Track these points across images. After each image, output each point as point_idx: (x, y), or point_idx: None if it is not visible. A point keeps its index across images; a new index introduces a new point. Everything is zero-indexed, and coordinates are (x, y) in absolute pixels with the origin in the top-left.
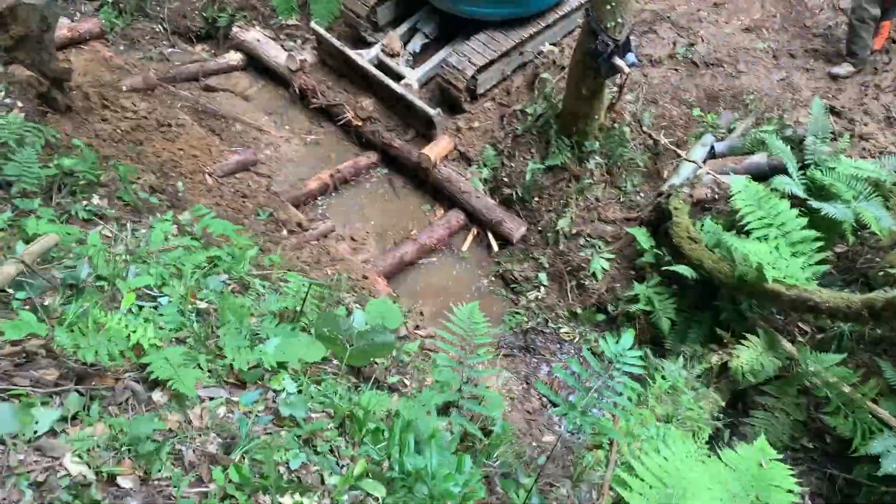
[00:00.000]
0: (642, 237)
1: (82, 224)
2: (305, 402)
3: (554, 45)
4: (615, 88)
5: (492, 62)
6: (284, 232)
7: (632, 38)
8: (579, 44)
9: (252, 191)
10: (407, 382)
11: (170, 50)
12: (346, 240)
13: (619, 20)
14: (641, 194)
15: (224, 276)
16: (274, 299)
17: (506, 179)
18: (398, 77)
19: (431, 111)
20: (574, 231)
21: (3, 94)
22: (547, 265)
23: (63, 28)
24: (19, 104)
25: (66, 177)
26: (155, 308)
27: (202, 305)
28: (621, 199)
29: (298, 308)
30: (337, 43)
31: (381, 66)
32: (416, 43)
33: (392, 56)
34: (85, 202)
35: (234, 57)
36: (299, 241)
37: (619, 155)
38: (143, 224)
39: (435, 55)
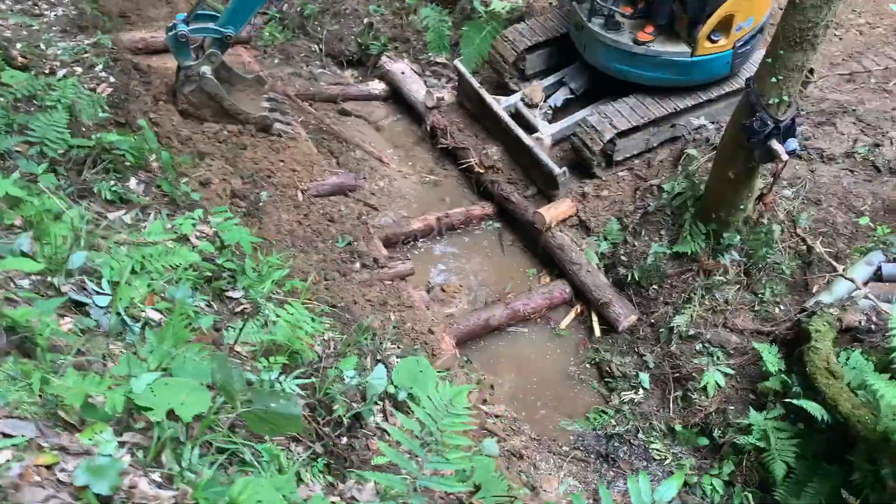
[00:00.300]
0: (771, 357)
1: (104, 204)
2: (115, 474)
3: (713, 123)
4: (769, 177)
5: (636, 129)
6: (357, 265)
7: (799, 123)
8: (734, 118)
9: (341, 216)
10: None
11: (319, 70)
12: (435, 289)
13: (785, 98)
14: (781, 306)
15: (238, 293)
16: (254, 329)
17: (624, 258)
18: (532, 129)
19: (556, 170)
20: (691, 332)
21: (100, 66)
22: (652, 365)
23: None
24: (112, 79)
25: (105, 152)
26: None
27: (154, 315)
28: (755, 308)
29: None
30: (475, 84)
31: (516, 115)
32: (559, 97)
33: (530, 106)
34: (116, 182)
35: (378, 86)
36: (371, 277)
37: (763, 256)
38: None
39: (576, 113)
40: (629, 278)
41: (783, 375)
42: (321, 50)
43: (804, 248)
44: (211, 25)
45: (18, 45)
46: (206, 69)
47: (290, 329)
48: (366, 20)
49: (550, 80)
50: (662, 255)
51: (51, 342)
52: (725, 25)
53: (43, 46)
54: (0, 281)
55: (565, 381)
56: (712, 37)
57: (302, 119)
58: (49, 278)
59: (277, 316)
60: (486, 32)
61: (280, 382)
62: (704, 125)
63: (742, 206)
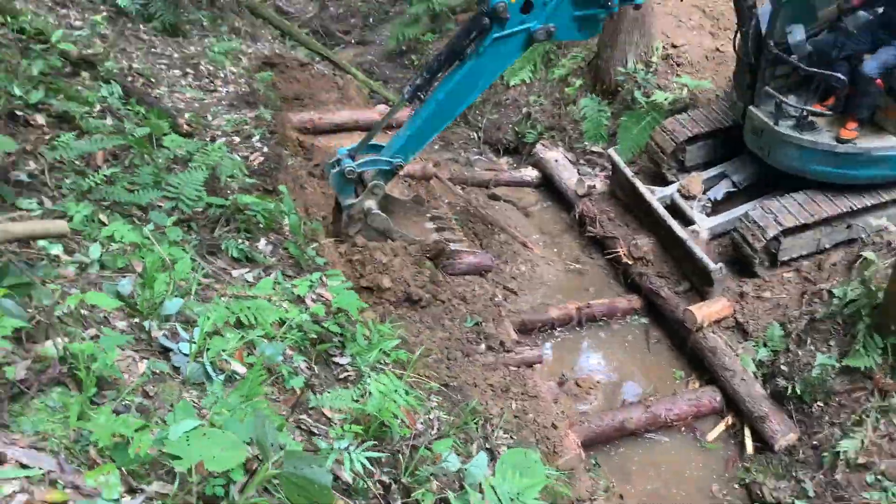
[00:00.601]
0: None
1: (230, 261)
2: None
3: None
4: None
5: (804, 227)
6: (483, 346)
7: None
8: None
9: (474, 296)
10: None
11: (476, 157)
12: (568, 382)
13: None
14: None
15: (345, 359)
16: (341, 395)
17: (785, 369)
18: (688, 222)
19: (712, 265)
20: (862, 461)
21: (257, 137)
22: (812, 494)
23: (376, 111)
24: (265, 149)
25: (239, 212)
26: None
27: (240, 369)
28: None
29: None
30: (629, 173)
31: (671, 207)
32: (720, 190)
33: (688, 198)
34: (244, 242)
35: (530, 173)
36: (496, 361)
37: None
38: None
39: (738, 207)
40: (790, 391)
41: None
42: (479, 137)
43: None
44: (380, 157)
45: (187, 115)
46: (372, 204)
47: (382, 399)
48: (524, 110)
49: (711, 172)
50: (830, 369)
51: (113, 380)
52: None
53: (209, 117)
54: (97, 320)
55: (707, 501)
56: None
57: (450, 201)
58: (143, 322)
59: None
60: (645, 123)
61: (349, 452)
62: (886, 227)
63: None
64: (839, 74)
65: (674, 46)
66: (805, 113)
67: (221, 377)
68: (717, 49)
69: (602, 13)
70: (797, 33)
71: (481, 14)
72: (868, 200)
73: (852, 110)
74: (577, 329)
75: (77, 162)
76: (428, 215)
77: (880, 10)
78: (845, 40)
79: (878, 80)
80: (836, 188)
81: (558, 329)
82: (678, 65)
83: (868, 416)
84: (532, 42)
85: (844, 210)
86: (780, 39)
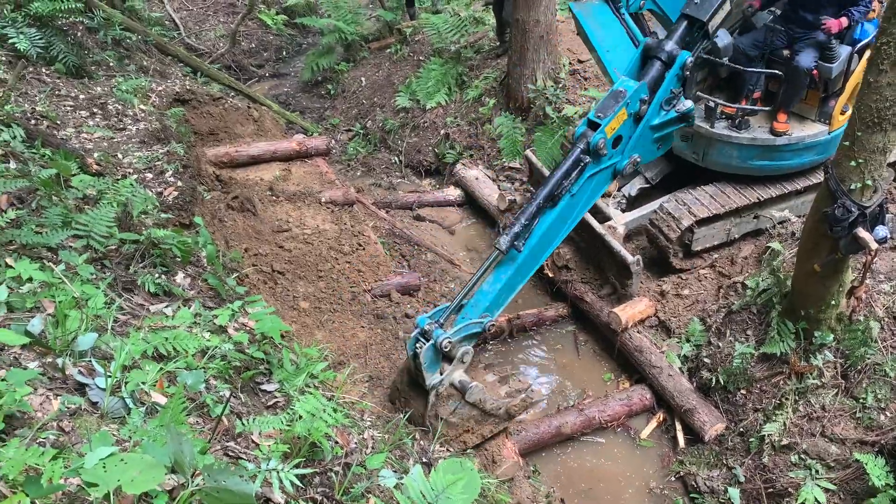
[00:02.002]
0: (877, 471)
1: (147, 297)
2: None
3: (798, 216)
4: (860, 269)
5: (716, 217)
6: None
7: (890, 209)
8: (814, 207)
9: (404, 315)
10: None
11: (399, 180)
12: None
13: (868, 182)
14: (888, 413)
15: (273, 385)
16: (269, 420)
17: (708, 361)
18: (605, 219)
19: (630, 257)
20: (785, 442)
21: (170, 172)
22: (742, 479)
23: (293, 142)
24: (179, 183)
25: (154, 247)
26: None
27: (161, 400)
28: (857, 415)
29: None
30: (545, 171)
31: None
32: (634, 186)
33: (603, 196)
34: (161, 276)
35: (453, 192)
36: None
37: (861, 356)
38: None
39: (652, 202)
40: (714, 382)
41: (892, 491)
42: (401, 161)
43: None
44: (471, 319)
45: (96, 154)
46: (460, 376)
47: (311, 420)
48: (442, 131)
49: None
50: (749, 357)
51: (24, 416)
52: (853, 95)
53: (120, 156)
54: (7, 362)
55: (646, 497)
56: (844, 109)
57: (374, 224)
58: (57, 360)
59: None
60: (558, 136)
61: (277, 472)
62: (789, 219)
63: (833, 302)
64: (775, 71)
65: (579, 62)
66: (740, 112)
67: (142, 409)
68: None
69: (680, 126)
70: (724, 37)
71: (580, 152)
72: (773, 191)
73: (784, 103)
74: (509, 340)
75: None
76: (481, 365)
77: (777, 10)
78: (766, 38)
79: (815, 71)
80: (741, 180)
81: (490, 342)
82: (585, 79)
83: (787, 399)
84: (616, 175)
85: (752, 201)
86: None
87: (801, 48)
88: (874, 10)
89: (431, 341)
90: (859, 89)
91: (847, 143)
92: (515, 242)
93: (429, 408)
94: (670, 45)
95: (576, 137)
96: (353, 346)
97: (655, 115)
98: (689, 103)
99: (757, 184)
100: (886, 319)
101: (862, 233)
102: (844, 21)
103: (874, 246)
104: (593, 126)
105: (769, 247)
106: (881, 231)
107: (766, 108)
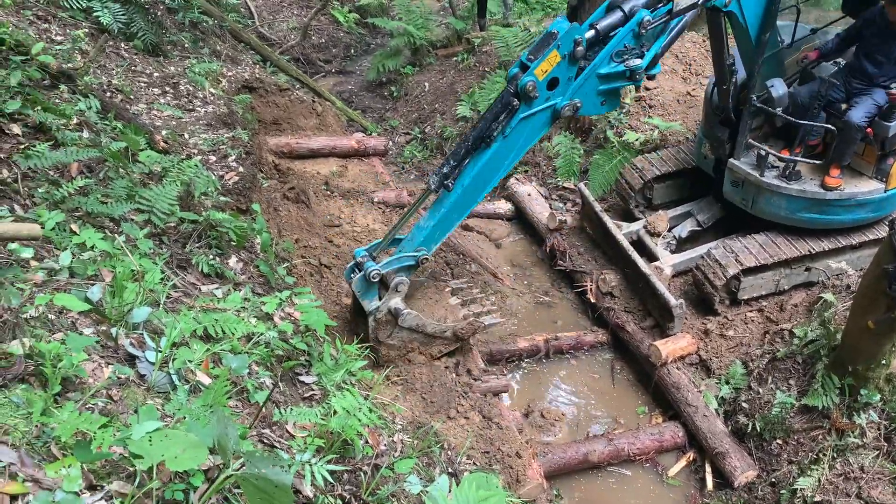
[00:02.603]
0: None
1: (200, 276)
2: None
3: (855, 270)
4: None
5: (764, 267)
6: (453, 375)
7: None
8: (874, 263)
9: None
10: None
11: None
12: (534, 413)
13: None
14: None
15: (311, 378)
16: (305, 412)
17: (746, 406)
18: (653, 258)
19: (673, 301)
20: (818, 499)
21: (233, 157)
22: None
23: (352, 139)
24: (241, 169)
25: (211, 229)
26: (132, 360)
27: (204, 380)
28: None
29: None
30: (597, 207)
31: (638, 243)
32: (685, 228)
33: (653, 235)
34: (215, 258)
35: (503, 206)
36: (462, 388)
37: None
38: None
39: (702, 246)
40: (750, 429)
41: None
42: None
43: None
44: (404, 252)
45: (164, 132)
46: (398, 302)
47: (345, 417)
48: None
49: (678, 210)
50: (790, 407)
51: (78, 381)
52: None
53: (186, 136)
54: (65, 325)
55: None
56: None
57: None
58: (111, 329)
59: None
60: (616, 161)
61: (310, 465)
62: (845, 271)
63: (884, 361)
64: (829, 125)
65: (646, 89)
66: (792, 163)
67: (186, 387)
68: (688, 93)
69: (627, 84)
70: (779, 87)
71: (509, 94)
72: (826, 244)
73: (837, 158)
74: (545, 360)
75: (51, 172)
76: (448, 289)
77: (842, 61)
78: (825, 91)
79: (869, 129)
80: (795, 231)
81: (525, 360)
82: (650, 107)
83: (825, 455)
84: (557, 118)
85: (804, 253)
86: (761, 93)
87: (857, 102)
88: None
89: (361, 272)
90: None
91: None
92: (445, 182)
93: (370, 331)
94: (631, 2)
95: (508, 79)
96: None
97: (604, 64)
98: (638, 61)
99: (809, 235)
100: None
101: None
102: None
103: None
104: (524, 68)
105: (822, 297)
106: None
107: (816, 161)
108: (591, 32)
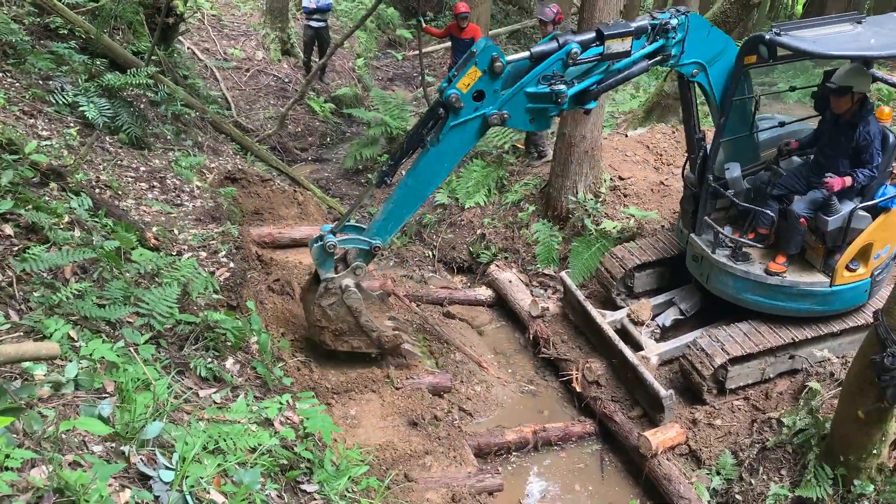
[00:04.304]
0: None
1: (197, 380)
2: None
3: (838, 357)
4: None
5: (749, 356)
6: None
7: None
8: (861, 352)
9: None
10: None
11: (430, 274)
12: None
13: None
14: None
15: (313, 486)
16: None
17: (739, 498)
18: (637, 347)
19: (663, 391)
20: None
21: (223, 253)
22: None
23: None
24: (231, 265)
25: (209, 330)
26: (144, 478)
27: (217, 498)
28: None
29: None
30: (580, 296)
31: (622, 331)
32: (669, 317)
33: (637, 324)
34: (212, 360)
35: (484, 292)
36: (452, 489)
37: None
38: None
39: (686, 334)
40: None
41: None
42: (434, 255)
43: None
44: (360, 237)
45: (154, 229)
46: (350, 282)
47: None
48: (479, 231)
49: (660, 298)
50: (783, 499)
51: None
52: (863, 254)
53: (176, 231)
54: (74, 444)
55: None
56: (850, 266)
57: (407, 318)
58: (121, 446)
59: None
60: (595, 249)
61: None
62: (828, 359)
63: (875, 452)
64: (769, 211)
65: (621, 179)
66: (739, 244)
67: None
68: (662, 182)
69: (553, 109)
70: (734, 170)
71: (437, 104)
72: (808, 332)
73: (783, 246)
74: (533, 453)
75: (45, 274)
76: (388, 314)
77: (811, 156)
78: (780, 180)
79: (803, 220)
80: (777, 319)
81: (514, 453)
82: (625, 196)
83: None
84: (488, 126)
85: (787, 341)
86: (718, 174)
87: (808, 194)
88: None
89: (321, 242)
90: None
91: None
92: (384, 178)
93: (317, 295)
94: (570, 37)
95: (438, 90)
96: (382, 445)
97: (532, 84)
98: (562, 86)
99: (792, 323)
100: None
101: None
102: (848, 181)
103: None
104: (451, 82)
105: (807, 385)
106: None
107: (758, 245)
108: (526, 53)
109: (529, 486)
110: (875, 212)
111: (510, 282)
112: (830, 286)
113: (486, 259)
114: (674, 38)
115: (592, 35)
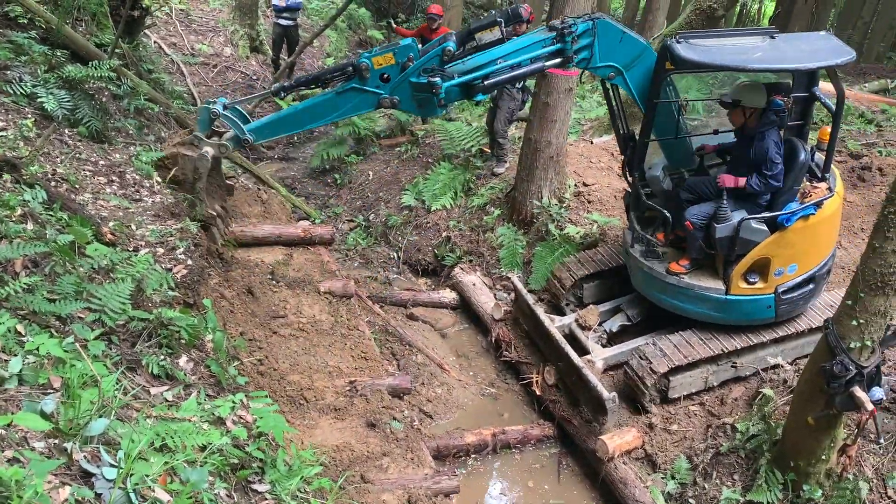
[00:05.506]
0: None
1: (149, 378)
2: None
3: (791, 363)
4: (854, 428)
5: (691, 365)
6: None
7: (887, 373)
8: (812, 360)
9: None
10: None
11: (395, 276)
12: None
13: (868, 343)
14: None
15: (265, 486)
16: None
17: (693, 502)
18: (584, 352)
19: (606, 394)
20: None
21: (181, 250)
22: None
23: (299, 228)
24: (189, 262)
25: (162, 327)
26: (87, 476)
27: (162, 496)
28: None
29: None
30: (530, 300)
31: (570, 336)
32: (615, 323)
33: (585, 329)
34: (165, 358)
35: (448, 295)
36: (408, 490)
37: None
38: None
39: (632, 340)
40: None
41: None
42: (399, 257)
43: None
44: (240, 124)
45: (111, 224)
46: (210, 151)
47: None
48: (444, 234)
49: (607, 305)
50: (735, 503)
51: None
52: (762, 269)
53: (133, 227)
54: (15, 440)
55: None
56: (749, 278)
57: (369, 319)
58: (65, 443)
59: None
60: (558, 253)
61: None
62: (781, 365)
63: (823, 457)
64: (665, 211)
65: (585, 185)
66: (647, 241)
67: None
68: (625, 189)
69: (434, 98)
70: (656, 168)
71: (350, 63)
72: (751, 340)
73: (688, 250)
74: (491, 456)
75: None
76: (223, 203)
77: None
78: (689, 184)
79: (688, 223)
80: (718, 328)
81: (473, 455)
82: (589, 202)
83: None
84: (380, 106)
85: (726, 350)
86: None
87: (703, 203)
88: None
89: (211, 106)
90: (865, 252)
91: (849, 303)
92: (281, 92)
93: (181, 141)
94: (452, 37)
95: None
96: (339, 447)
97: (414, 74)
98: (438, 79)
99: (733, 332)
100: (875, 481)
101: (859, 392)
102: (741, 182)
103: (870, 407)
104: None
105: (761, 392)
106: (877, 393)
107: (661, 244)
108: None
109: (486, 488)
110: (773, 227)
111: (474, 285)
112: (725, 294)
113: (450, 262)
114: (574, 43)
115: (468, 31)
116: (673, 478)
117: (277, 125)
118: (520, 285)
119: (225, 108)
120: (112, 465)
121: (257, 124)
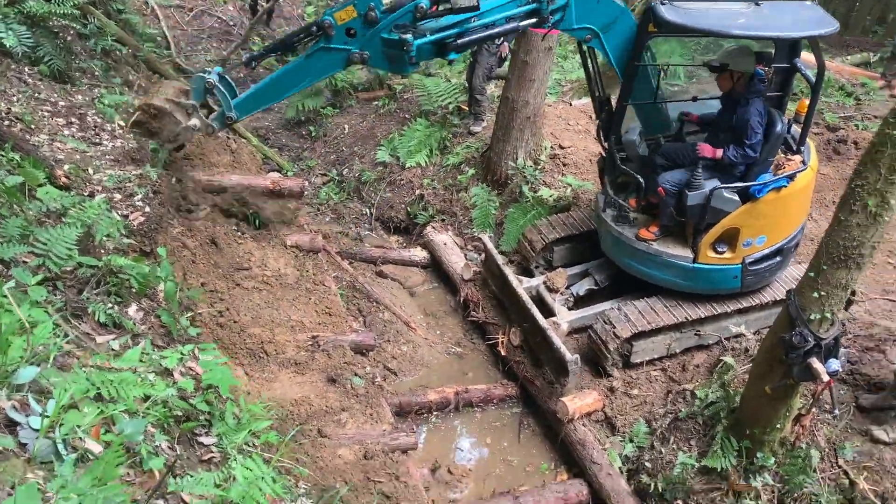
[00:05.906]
0: None
1: (95, 326)
2: None
3: (754, 333)
4: (809, 398)
5: (655, 332)
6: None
7: (844, 345)
8: (772, 331)
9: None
10: None
11: (367, 233)
12: (440, 469)
13: (827, 315)
14: None
15: (211, 439)
16: (203, 479)
17: (649, 465)
18: (551, 314)
19: (569, 356)
20: None
21: (140, 196)
22: None
23: (268, 180)
24: (147, 209)
25: (112, 275)
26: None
27: (94, 448)
28: None
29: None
30: (500, 261)
31: (537, 298)
32: (583, 286)
33: (552, 291)
34: (113, 306)
35: (419, 253)
36: (366, 445)
37: (798, 484)
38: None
39: (598, 305)
40: (652, 488)
41: None
42: (372, 214)
43: (846, 482)
44: (228, 100)
45: (66, 167)
46: (198, 125)
47: (247, 486)
48: (418, 192)
49: (576, 269)
50: (690, 468)
51: None
52: (731, 239)
53: (90, 172)
54: None
55: None
56: (717, 248)
57: (336, 274)
58: None
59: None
60: (530, 216)
61: None
62: (744, 334)
63: (778, 426)
64: (639, 176)
65: (561, 147)
66: (619, 205)
67: (73, 456)
68: (601, 153)
69: (404, 55)
70: (632, 133)
71: (315, 23)
72: (716, 309)
73: (660, 216)
74: (453, 413)
75: None
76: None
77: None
78: (664, 151)
79: (661, 189)
80: (683, 297)
81: (435, 413)
82: (564, 165)
83: None
84: (350, 62)
85: (690, 318)
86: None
87: (675, 170)
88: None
89: (207, 76)
90: (830, 224)
91: (812, 275)
92: (252, 62)
93: (175, 101)
94: None
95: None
96: (297, 401)
97: (385, 30)
98: (409, 36)
99: (699, 300)
100: (827, 450)
101: (816, 363)
102: (719, 153)
103: (826, 378)
104: None
105: (722, 360)
106: (833, 364)
107: (633, 209)
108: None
109: (447, 444)
110: (745, 198)
111: (445, 244)
112: (693, 262)
113: (423, 220)
114: (550, 3)
115: None
116: (631, 441)
117: (260, 97)
118: (490, 246)
119: (221, 76)
120: (43, 415)
121: (241, 99)
